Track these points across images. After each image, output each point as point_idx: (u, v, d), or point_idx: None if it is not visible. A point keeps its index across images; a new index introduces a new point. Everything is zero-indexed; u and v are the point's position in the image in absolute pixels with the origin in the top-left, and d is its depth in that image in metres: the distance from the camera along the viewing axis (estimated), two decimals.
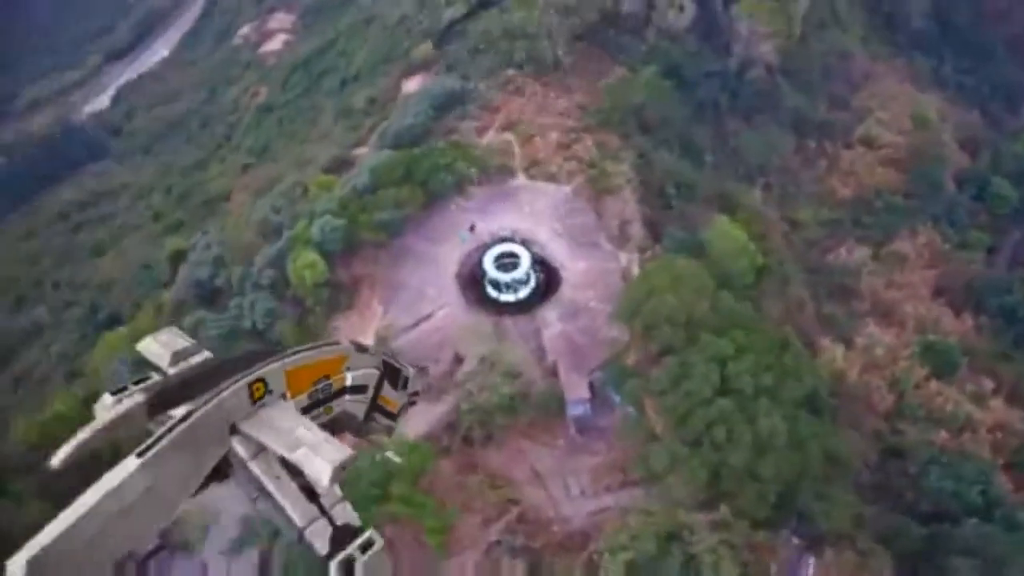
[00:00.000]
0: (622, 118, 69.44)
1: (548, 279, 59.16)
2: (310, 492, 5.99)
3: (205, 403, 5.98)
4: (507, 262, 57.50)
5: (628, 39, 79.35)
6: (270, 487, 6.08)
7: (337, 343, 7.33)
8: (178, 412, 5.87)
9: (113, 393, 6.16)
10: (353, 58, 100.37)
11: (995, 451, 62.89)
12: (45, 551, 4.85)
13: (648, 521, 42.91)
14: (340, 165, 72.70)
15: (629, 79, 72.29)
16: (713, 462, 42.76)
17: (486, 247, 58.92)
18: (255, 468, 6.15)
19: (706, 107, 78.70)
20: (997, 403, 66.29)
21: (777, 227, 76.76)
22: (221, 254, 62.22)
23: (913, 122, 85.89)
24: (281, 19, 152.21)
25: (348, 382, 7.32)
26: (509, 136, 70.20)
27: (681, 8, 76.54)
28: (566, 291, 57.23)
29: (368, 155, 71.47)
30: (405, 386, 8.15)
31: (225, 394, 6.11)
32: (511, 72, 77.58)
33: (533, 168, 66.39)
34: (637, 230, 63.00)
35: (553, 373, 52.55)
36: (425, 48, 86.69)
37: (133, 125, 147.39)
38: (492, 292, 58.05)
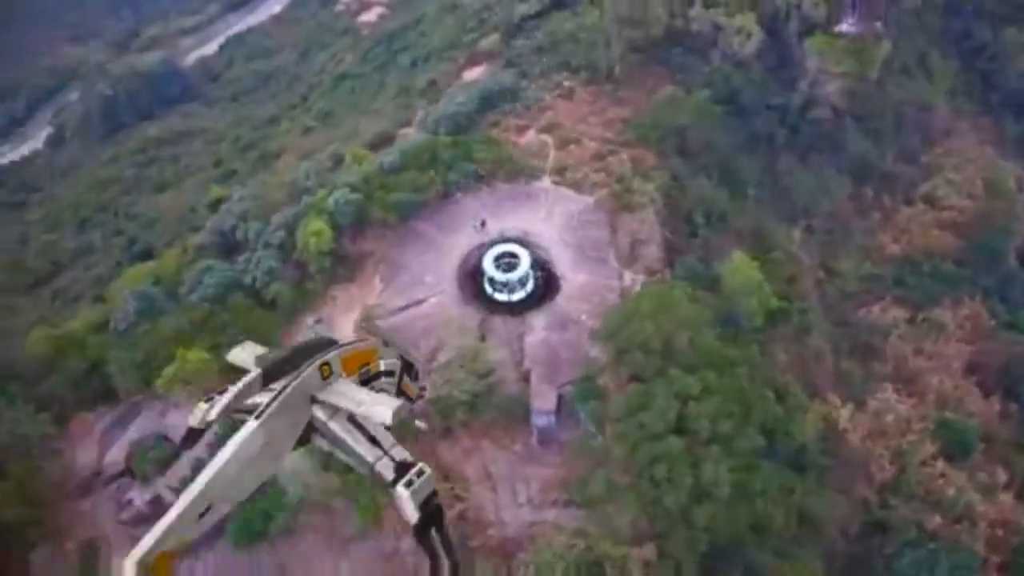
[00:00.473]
0: (662, 136, 68.19)
1: (548, 284, 59.13)
2: (373, 440, 9.13)
3: (292, 380, 9.04)
4: (507, 262, 57.71)
5: (691, 59, 77.58)
6: (347, 438, 9.26)
7: (368, 339, 10.84)
8: (276, 387, 9.00)
9: (205, 401, 9.53)
10: (429, 40, 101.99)
11: (992, 548, 59.22)
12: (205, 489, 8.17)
13: (577, 545, 42.61)
14: (382, 142, 74.24)
15: (677, 98, 70.74)
16: (648, 499, 41.97)
17: (491, 243, 59.26)
18: (334, 425, 9.31)
19: (760, 139, 76.22)
20: (1007, 497, 62.31)
21: (811, 273, 73.97)
22: (249, 209, 64.70)
23: (985, 187, 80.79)
24: None
25: (381, 367, 10.59)
26: (547, 138, 70.14)
27: (748, 35, 74.20)
28: (560, 301, 56.98)
29: (407, 136, 72.80)
30: (417, 377, 11.32)
31: (305, 373, 9.18)
32: (565, 75, 77.34)
33: (561, 174, 66.14)
34: (651, 252, 61.93)
35: (526, 379, 52.59)
36: (493, 40, 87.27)
37: (230, 74, 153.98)
38: (489, 290, 58.36)
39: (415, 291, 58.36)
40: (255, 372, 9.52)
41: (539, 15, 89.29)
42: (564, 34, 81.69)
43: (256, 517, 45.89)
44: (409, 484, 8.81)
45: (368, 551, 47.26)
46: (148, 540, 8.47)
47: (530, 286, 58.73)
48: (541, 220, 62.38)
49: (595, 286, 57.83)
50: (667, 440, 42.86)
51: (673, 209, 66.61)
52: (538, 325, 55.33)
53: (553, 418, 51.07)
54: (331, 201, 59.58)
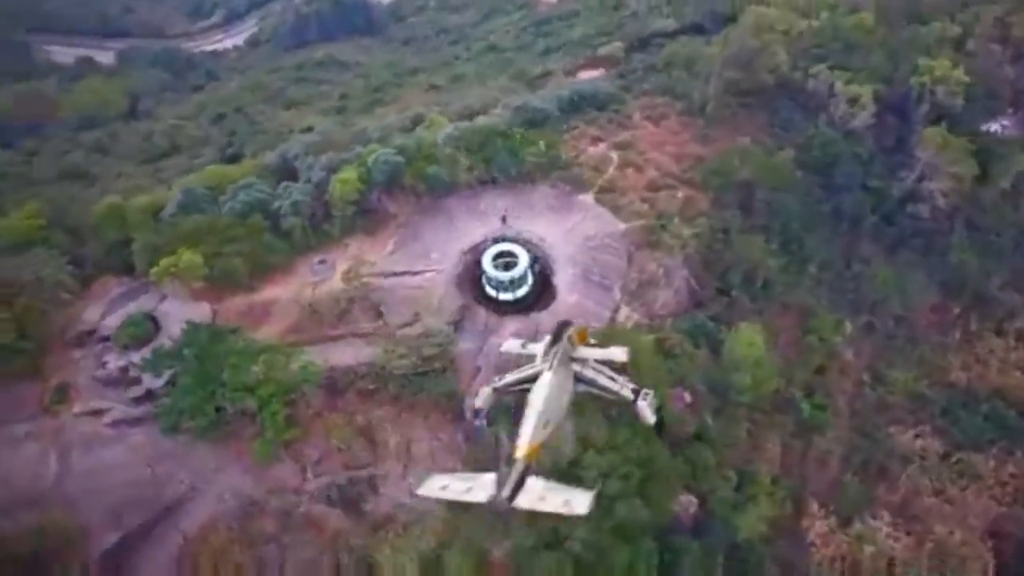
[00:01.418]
0: (724, 185, 65.21)
1: (545, 289, 59.35)
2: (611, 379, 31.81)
3: (558, 344, 31.97)
4: (505, 261, 58.08)
5: (796, 115, 72.93)
6: (602, 379, 31.85)
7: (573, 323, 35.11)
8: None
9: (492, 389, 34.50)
10: (570, 33, 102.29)
11: None
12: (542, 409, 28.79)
13: (429, 540, 43.28)
14: (465, 116, 75.94)
15: (752, 151, 67.06)
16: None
17: (492, 241, 59.90)
18: (588, 371, 32.29)
19: (844, 218, 70.67)
20: None
21: (853, 373, 68.37)
22: (313, 143, 68.95)
23: None
24: None
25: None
26: (614, 155, 69.07)
27: (862, 107, 68.51)
28: (543, 315, 56.66)
29: (488, 116, 73.87)
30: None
31: (563, 340, 32.17)
32: (664, 100, 75.35)
33: (607, 193, 65.15)
34: (662, 295, 60.02)
35: (474, 376, 53.15)
36: (616, 47, 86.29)
37: (414, 19, 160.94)
38: (489, 290, 59.02)
39: (417, 262, 60.21)
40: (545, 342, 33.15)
41: (671, 34, 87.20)
42: (680, 59, 79.37)
43: None
44: (645, 398, 30.33)
45: None
46: (524, 440, 26.98)
47: (527, 287, 58.93)
48: (563, 231, 62.03)
49: (584, 310, 56.83)
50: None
51: (710, 261, 63.87)
52: (508, 330, 55.48)
53: (484, 420, 51.23)
54: (373, 157, 62.29)
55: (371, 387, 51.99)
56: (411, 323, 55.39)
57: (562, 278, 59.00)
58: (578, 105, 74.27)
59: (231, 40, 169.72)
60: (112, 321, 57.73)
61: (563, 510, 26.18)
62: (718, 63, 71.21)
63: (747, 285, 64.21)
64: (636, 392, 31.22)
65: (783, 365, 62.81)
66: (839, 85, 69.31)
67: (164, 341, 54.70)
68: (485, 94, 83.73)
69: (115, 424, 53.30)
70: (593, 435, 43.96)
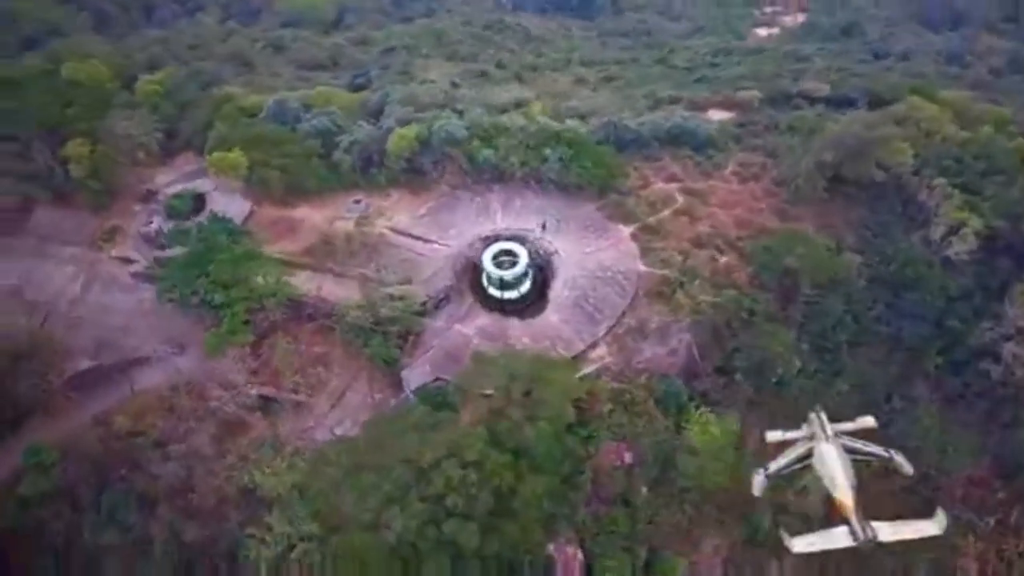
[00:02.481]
0: (771, 266, 60.94)
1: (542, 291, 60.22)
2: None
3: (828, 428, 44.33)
4: (505, 259, 58.76)
5: (892, 220, 65.99)
6: (862, 447, 43.13)
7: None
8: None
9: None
10: (729, 70, 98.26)
11: None
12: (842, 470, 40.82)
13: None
14: (566, 115, 75.96)
15: (818, 244, 61.84)
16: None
17: (492, 240, 61.33)
18: (852, 443, 43.11)
19: (901, 346, 63.67)
20: None
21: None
22: (405, 95, 72.68)
23: None
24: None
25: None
26: (677, 199, 66.68)
27: (964, 238, 60.62)
28: (514, 322, 57.06)
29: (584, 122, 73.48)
30: None
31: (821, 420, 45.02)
32: (762, 160, 71.13)
33: (647, 232, 63.28)
34: (647, 350, 57.75)
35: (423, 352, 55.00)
36: (752, 95, 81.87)
37: (631, 15, 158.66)
38: (491, 289, 60.01)
39: (436, 233, 62.42)
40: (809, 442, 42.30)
41: (817, 99, 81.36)
42: (805, 125, 74.18)
43: None
44: (897, 455, 42.10)
45: None
46: (848, 494, 38.27)
47: (526, 287, 59.60)
48: (581, 252, 61.40)
49: (559, 333, 56.44)
50: (402, 481, 42.90)
51: (722, 337, 60.32)
52: (475, 323, 56.51)
53: (412, 398, 53.12)
54: (439, 124, 64.79)
55: (331, 326, 55.30)
56: (399, 283, 57.82)
57: (555, 294, 58.74)
58: (675, 139, 72.01)
59: None
60: (171, 190, 65.36)
61: (919, 535, 38.69)
62: (822, 139, 65.91)
63: (755, 375, 60.09)
64: (888, 451, 43.16)
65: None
66: (945, 205, 61.77)
67: (198, 221, 61.41)
68: (602, 103, 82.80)
69: (135, 276, 61.06)
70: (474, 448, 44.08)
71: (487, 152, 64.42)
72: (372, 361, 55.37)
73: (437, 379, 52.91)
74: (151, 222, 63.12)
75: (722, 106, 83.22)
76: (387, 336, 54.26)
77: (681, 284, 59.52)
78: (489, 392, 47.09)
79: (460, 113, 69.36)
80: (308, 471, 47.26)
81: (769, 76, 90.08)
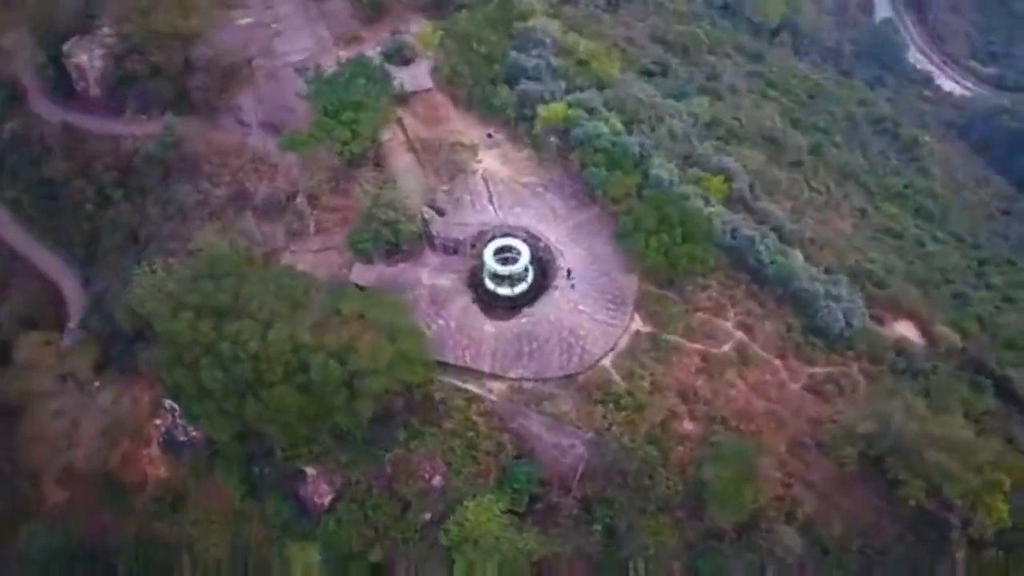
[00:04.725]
0: None
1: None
2: None
3: None
4: (507, 256, 60.47)
5: None
6: None
7: None
8: None
9: None
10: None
11: None
12: None
13: None
14: None
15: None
16: None
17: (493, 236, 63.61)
18: None
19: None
20: None
21: None
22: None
23: None
24: None
25: None
26: (732, 339, 60.04)
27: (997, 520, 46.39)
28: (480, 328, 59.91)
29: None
30: None
31: None
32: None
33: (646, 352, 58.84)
34: (536, 421, 56.49)
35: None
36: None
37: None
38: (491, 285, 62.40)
39: (506, 204, 66.03)
40: None
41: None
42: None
43: None
44: None
45: None
46: None
47: (527, 283, 61.70)
48: (570, 305, 60.18)
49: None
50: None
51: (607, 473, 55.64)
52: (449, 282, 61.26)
53: None
54: (591, 124, 65.82)
55: None
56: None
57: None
58: None
59: None
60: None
61: None
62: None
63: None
64: None
65: None
66: None
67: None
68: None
69: None
70: None
71: (595, 159, 65.30)
72: None
73: None
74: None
75: None
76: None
77: (618, 400, 55.91)
78: None
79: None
80: None
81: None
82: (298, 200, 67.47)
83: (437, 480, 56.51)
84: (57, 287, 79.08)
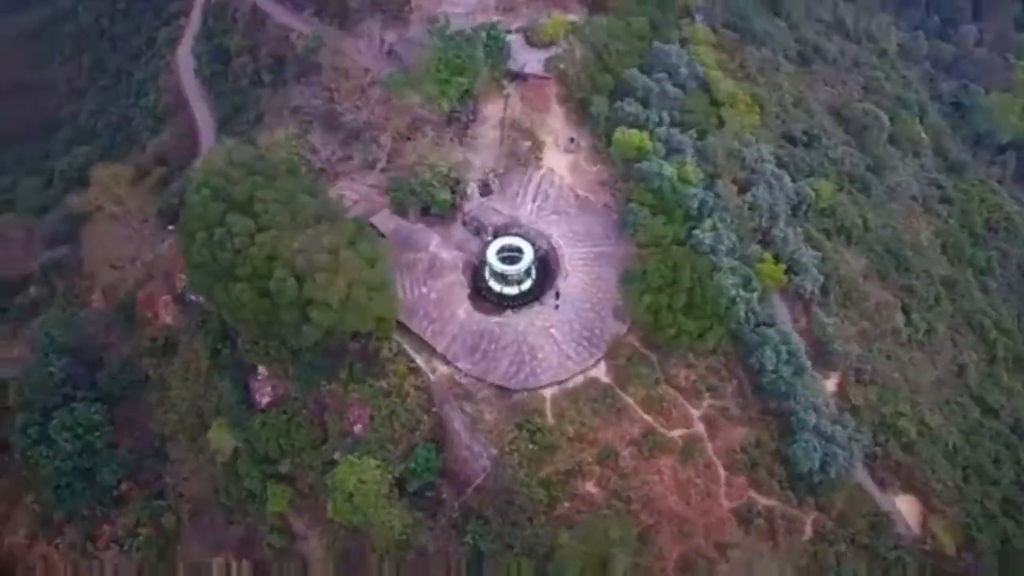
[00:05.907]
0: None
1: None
2: None
3: None
4: (509, 255, 60.13)
5: None
6: None
7: None
8: None
9: None
10: None
11: None
12: None
13: None
14: None
15: None
16: None
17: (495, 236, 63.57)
18: None
19: None
20: None
21: None
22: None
23: None
24: None
25: None
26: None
27: None
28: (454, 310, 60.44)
29: None
30: None
31: None
32: None
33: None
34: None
35: None
36: None
37: None
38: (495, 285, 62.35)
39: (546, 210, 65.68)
40: None
41: None
42: None
43: None
44: None
45: None
46: None
47: (529, 283, 61.76)
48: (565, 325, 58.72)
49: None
50: None
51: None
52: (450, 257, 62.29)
53: None
54: (655, 163, 62.76)
55: None
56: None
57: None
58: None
59: None
60: None
61: None
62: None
63: None
64: None
65: None
66: None
67: None
68: None
69: None
70: None
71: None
72: None
73: None
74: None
75: None
76: None
77: (535, 432, 54.30)
78: None
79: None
80: None
81: None
82: (381, 138, 71.43)
83: (358, 428, 59.08)
84: (198, 140, 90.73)
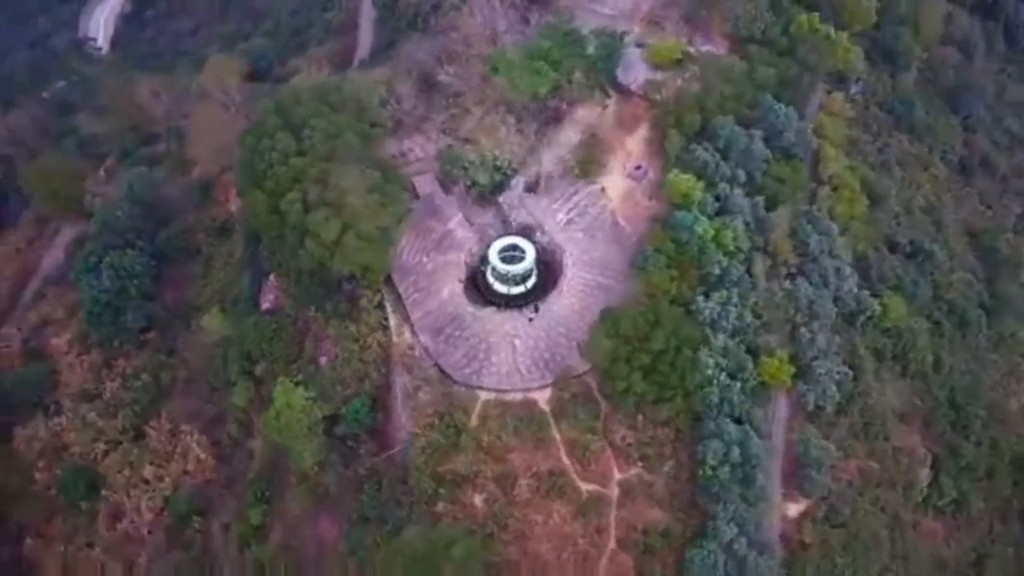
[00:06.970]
0: None
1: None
2: None
3: None
4: (511, 255, 59.87)
5: None
6: None
7: None
8: None
9: None
10: None
11: None
12: None
13: None
14: None
15: None
16: None
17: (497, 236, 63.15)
18: None
19: None
20: None
21: None
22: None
23: None
24: None
25: None
26: None
27: None
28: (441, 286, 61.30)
29: None
30: None
31: None
32: None
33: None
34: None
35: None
36: None
37: None
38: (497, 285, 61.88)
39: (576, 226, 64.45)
40: None
41: None
42: None
43: None
44: None
45: None
46: None
47: (531, 282, 61.68)
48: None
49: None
50: None
51: None
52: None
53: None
54: (691, 216, 59.09)
55: None
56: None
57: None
58: None
59: None
60: None
61: None
62: None
63: None
64: None
65: None
66: None
67: None
68: None
69: None
70: None
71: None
72: None
73: None
74: None
75: None
76: None
77: (448, 427, 54.36)
78: None
79: None
80: None
81: None
82: (471, 108, 72.98)
83: (323, 360, 62.27)
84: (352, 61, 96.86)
